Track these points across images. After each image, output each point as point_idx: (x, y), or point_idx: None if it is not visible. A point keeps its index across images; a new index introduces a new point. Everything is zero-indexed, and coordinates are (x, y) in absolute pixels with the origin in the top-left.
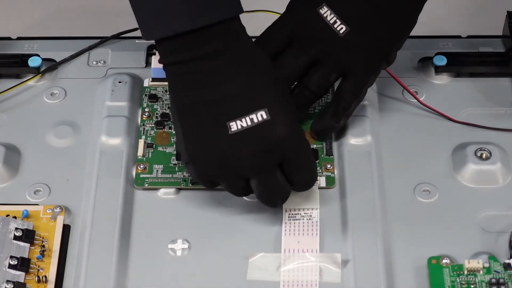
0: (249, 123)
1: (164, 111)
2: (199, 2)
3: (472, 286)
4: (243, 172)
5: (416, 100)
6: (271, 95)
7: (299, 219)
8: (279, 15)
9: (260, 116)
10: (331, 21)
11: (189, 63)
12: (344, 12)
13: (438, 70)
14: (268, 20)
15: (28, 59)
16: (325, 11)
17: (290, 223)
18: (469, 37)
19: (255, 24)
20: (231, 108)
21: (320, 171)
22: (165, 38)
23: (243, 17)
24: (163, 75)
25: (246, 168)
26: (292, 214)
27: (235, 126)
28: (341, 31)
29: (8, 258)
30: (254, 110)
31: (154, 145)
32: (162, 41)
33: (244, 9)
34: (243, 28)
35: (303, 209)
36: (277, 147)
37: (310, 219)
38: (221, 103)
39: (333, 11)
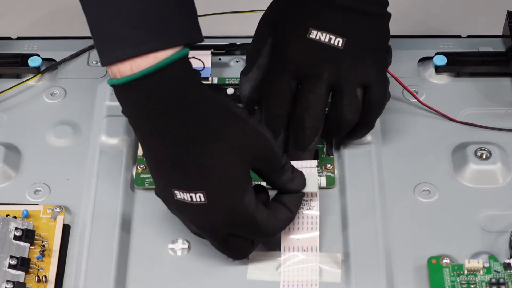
0: (188, 199)
1: None
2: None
3: (472, 286)
4: (193, 230)
5: (416, 100)
6: (215, 175)
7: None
8: None
9: (198, 197)
10: (326, 40)
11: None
12: (332, 27)
13: (438, 70)
14: None
15: (28, 59)
16: (315, 34)
17: None
18: (469, 37)
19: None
20: (175, 177)
21: (320, 171)
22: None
23: (243, 17)
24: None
25: (193, 230)
26: None
27: (178, 195)
28: (339, 44)
29: (8, 258)
30: (194, 190)
31: None
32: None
33: (244, 9)
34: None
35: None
36: (217, 228)
37: (309, 208)
38: (168, 168)
39: (322, 30)
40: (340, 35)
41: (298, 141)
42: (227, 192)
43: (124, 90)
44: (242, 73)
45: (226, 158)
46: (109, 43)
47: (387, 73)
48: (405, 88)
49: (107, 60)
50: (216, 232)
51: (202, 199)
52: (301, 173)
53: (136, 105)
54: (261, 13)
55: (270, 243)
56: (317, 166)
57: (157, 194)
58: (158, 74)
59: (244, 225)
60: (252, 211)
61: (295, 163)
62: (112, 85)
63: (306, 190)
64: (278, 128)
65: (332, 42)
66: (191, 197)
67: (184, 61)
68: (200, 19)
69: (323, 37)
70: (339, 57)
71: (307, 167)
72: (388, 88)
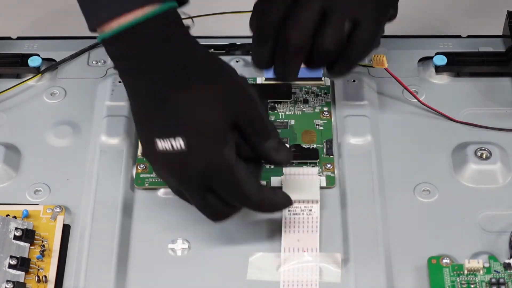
0: (169, 147)
1: None
2: None
3: (472, 286)
4: (174, 187)
5: (416, 100)
6: (195, 119)
7: (299, 214)
8: None
9: (178, 144)
10: None
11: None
12: None
13: (438, 70)
14: None
15: (28, 59)
16: None
17: (290, 218)
18: (469, 37)
19: None
20: (158, 123)
21: (320, 171)
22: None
23: (242, 17)
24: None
25: (174, 187)
26: (292, 208)
27: (160, 145)
28: None
29: (8, 258)
30: (174, 134)
31: None
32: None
33: (244, 9)
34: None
35: (303, 203)
36: (196, 179)
37: (310, 214)
38: (152, 116)
39: None
40: None
41: (282, 55)
42: (207, 139)
43: (112, 43)
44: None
45: (208, 104)
46: (96, 6)
47: (387, 72)
48: (405, 88)
49: (96, 22)
50: (194, 185)
51: (182, 145)
52: (288, 149)
53: (124, 55)
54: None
55: (271, 245)
56: (318, 173)
57: (143, 155)
58: (145, 24)
59: (222, 178)
60: (231, 163)
61: (296, 170)
62: (102, 41)
63: (307, 197)
64: (266, 34)
65: None
66: (172, 144)
67: (172, 14)
68: (200, 19)
69: None
70: None
71: (308, 174)
72: (378, 35)
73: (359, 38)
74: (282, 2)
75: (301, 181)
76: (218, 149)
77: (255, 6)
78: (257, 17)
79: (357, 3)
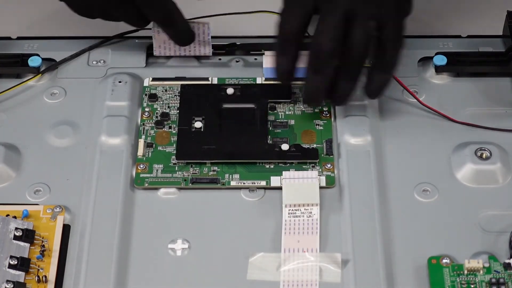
0: None
1: (164, 110)
2: None
3: (472, 286)
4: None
5: (416, 100)
6: None
7: (299, 216)
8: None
9: None
10: None
11: None
12: None
13: (438, 70)
14: (268, 19)
15: (28, 59)
16: None
17: (290, 220)
18: (469, 37)
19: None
20: None
21: (320, 170)
22: None
23: (242, 17)
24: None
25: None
26: (292, 210)
27: None
28: None
29: (8, 258)
30: None
31: (154, 145)
32: None
33: (244, 10)
34: None
35: (303, 205)
36: None
37: (310, 216)
38: None
39: None
40: None
41: (314, 64)
42: None
43: None
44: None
45: None
46: None
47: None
48: (405, 88)
49: None
50: None
51: None
52: None
53: None
54: (261, 14)
55: (271, 246)
56: (318, 175)
57: None
58: None
59: None
60: None
61: (296, 174)
62: None
63: (307, 201)
64: (286, 44)
65: None
66: None
67: None
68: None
69: None
70: None
71: (308, 177)
72: (403, 32)
73: (387, 38)
74: (303, 10)
75: (301, 185)
76: None
77: (279, 14)
78: (278, 26)
79: (378, 4)
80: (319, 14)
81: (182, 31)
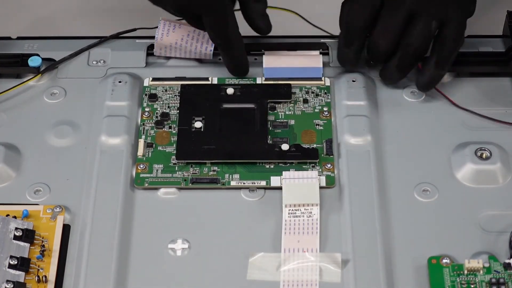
0: None
1: (164, 110)
2: None
3: (472, 286)
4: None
5: (416, 100)
6: None
7: (299, 216)
8: (288, 11)
9: None
10: None
11: None
12: None
13: None
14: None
15: (28, 59)
16: None
17: (290, 220)
18: (469, 37)
19: None
20: None
21: (320, 170)
22: None
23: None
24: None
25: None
26: (292, 210)
27: None
28: None
29: (8, 258)
30: None
31: (154, 145)
32: None
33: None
34: None
35: (303, 205)
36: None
37: (310, 216)
38: None
39: None
40: None
41: (371, 61)
42: None
43: None
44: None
45: None
46: None
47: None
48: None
49: None
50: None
51: None
52: (269, 21)
53: None
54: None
55: (271, 246)
56: (318, 175)
57: None
58: None
59: (210, 11)
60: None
61: (296, 174)
62: None
63: (307, 201)
64: (353, 37)
65: None
66: None
67: None
68: None
69: None
70: None
71: (308, 177)
72: (464, 32)
73: (447, 37)
74: (371, 6)
75: (301, 185)
76: None
77: (343, 4)
78: (345, 18)
79: (443, 4)
80: (383, 9)
81: (236, 65)
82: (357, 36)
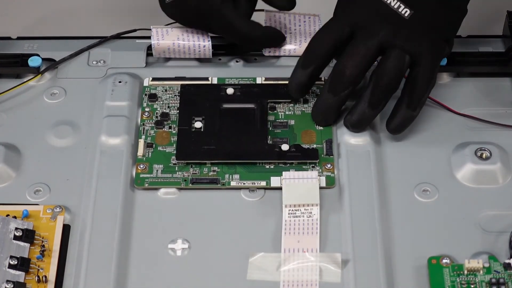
0: None
1: (164, 110)
2: None
3: (472, 286)
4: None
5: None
6: None
7: (299, 216)
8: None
9: None
10: (395, 6)
11: None
12: None
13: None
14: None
15: (28, 59)
16: None
17: (290, 220)
18: (469, 37)
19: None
20: None
21: (320, 171)
22: None
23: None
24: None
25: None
26: (292, 210)
27: None
28: (405, 14)
29: (8, 258)
30: None
31: (154, 145)
32: None
33: None
34: None
35: (303, 206)
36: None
37: (310, 216)
38: None
39: None
40: (410, 7)
41: (333, 84)
42: None
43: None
44: (301, 66)
45: None
46: None
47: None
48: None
49: None
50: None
51: None
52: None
53: None
54: (261, 13)
55: (271, 246)
56: (318, 176)
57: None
58: None
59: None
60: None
61: (296, 174)
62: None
63: (307, 201)
64: (310, 61)
65: (400, 10)
66: None
67: None
68: None
69: (393, 2)
70: (400, 25)
71: (308, 177)
72: (435, 74)
73: (419, 76)
74: (336, 36)
75: (301, 185)
76: None
77: (315, 34)
78: (310, 41)
79: (417, 41)
80: (354, 38)
81: (261, 41)
82: (314, 59)
